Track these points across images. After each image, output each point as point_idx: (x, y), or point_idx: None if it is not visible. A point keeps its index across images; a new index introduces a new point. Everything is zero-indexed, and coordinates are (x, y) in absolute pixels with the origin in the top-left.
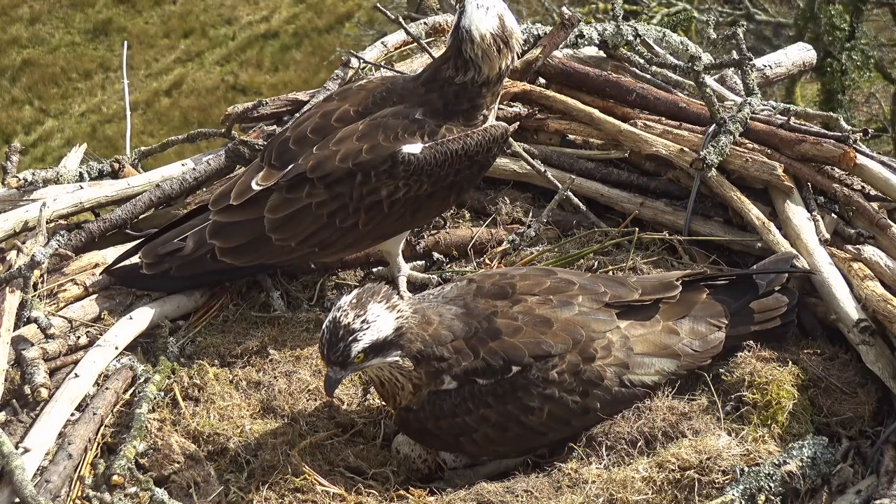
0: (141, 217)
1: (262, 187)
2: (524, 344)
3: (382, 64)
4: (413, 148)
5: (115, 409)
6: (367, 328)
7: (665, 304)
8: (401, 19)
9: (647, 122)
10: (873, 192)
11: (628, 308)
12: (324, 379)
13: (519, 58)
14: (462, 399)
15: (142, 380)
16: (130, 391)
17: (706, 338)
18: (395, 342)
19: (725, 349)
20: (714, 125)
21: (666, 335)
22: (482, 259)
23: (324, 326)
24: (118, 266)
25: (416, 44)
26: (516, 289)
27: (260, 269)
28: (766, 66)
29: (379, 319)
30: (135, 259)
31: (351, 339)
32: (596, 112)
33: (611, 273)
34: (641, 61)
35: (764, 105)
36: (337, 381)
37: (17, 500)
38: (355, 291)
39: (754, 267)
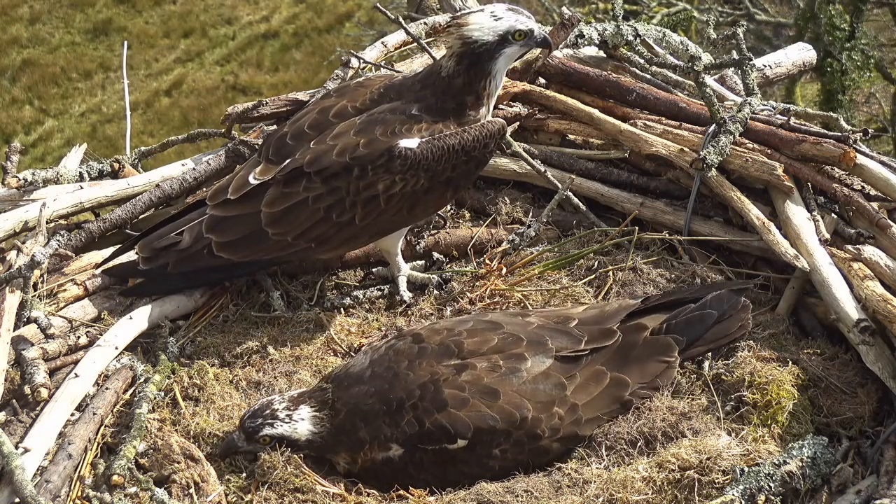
0: (141, 217)
1: (259, 181)
2: (469, 417)
3: (382, 64)
4: (410, 143)
5: (115, 409)
6: (286, 423)
7: (607, 349)
8: (401, 19)
9: (647, 122)
10: (873, 192)
11: (574, 358)
12: (226, 439)
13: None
14: (404, 465)
15: (142, 380)
16: (130, 391)
17: (658, 375)
18: (303, 446)
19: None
20: (714, 125)
21: (614, 388)
22: (482, 259)
23: (261, 399)
24: (115, 265)
25: (416, 44)
26: (463, 348)
27: (257, 266)
28: (766, 66)
29: (301, 423)
30: (132, 256)
31: (269, 421)
32: (596, 112)
33: (611, 273)
34: (641, 61)
35: (764, 105)
36: (236, 447)
37: (17, 500)
38: (304, 389)
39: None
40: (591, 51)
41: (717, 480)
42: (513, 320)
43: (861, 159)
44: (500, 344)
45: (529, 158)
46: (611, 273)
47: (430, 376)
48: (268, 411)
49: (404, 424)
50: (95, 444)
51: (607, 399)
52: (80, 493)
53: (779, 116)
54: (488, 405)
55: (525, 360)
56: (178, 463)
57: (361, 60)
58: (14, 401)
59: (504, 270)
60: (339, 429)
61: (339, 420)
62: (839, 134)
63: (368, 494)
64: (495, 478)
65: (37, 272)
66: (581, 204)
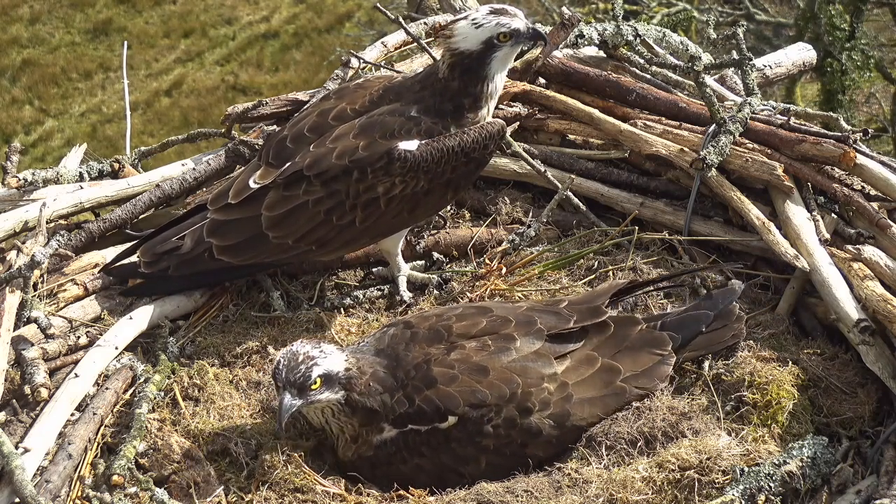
0: (141, 217)
1: (259, 185)
2: (459, 392)
3: (382, 64)
4: (409, 145)
5: (115, 409)
6: (325, 357)
7: (599, 336)
8: (401, 19)
9: (647, 122)
10: (873, 192)
11: (564, 339)
12: (278, 407)
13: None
14: (397, 448)
15: (142, 380)
16: (130, 391)
17: (651, 367)
18: (343, 382)
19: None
20: (714, 125)
21: (606, 373)
22: (482, 259)
23: (279, 357)
24: (116, 265)
25: (416, 44)
26: (452, 331)
27: (258, 269)
28: (766, 66)
29: (333, 355)
30: (134, 258)
31: (312, 362)
32: (596, 112)
33: (611, 273)
34: (641, 61)
35: (764, 105)
36: (292, 406)
37: (17, 500)
38: (306, 339)
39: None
40: (591, 51)
41: (717, 480)
42: (503, 305)
43: (861, 159)
44: (488, 326)
45: (529, 158)
46: (611, 273)
47: (421, 358)
48: (301, 357)
49: (394, 403)
50: (95, 444)
51: (599, 383)
52: (80, 493)
53: (779, 116)
54: (478, 381)
55: (514, 341)
56: (178, 463)
57: (361, 60)
58: (14, 401)
59: (504, 270)
60: (367, 390)
61: (364, 381)
62: (839, 134)
63: (368, 494)
64: (491, 463)
65: (37, 272)
66: (581, 204)
